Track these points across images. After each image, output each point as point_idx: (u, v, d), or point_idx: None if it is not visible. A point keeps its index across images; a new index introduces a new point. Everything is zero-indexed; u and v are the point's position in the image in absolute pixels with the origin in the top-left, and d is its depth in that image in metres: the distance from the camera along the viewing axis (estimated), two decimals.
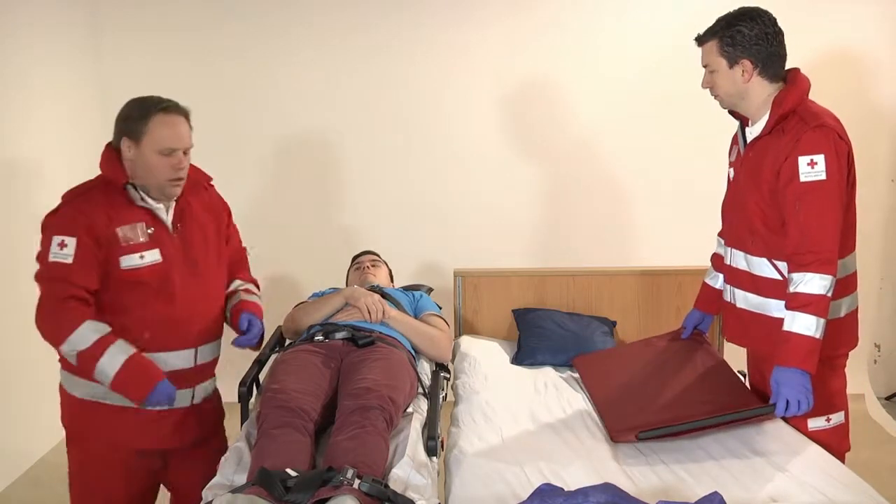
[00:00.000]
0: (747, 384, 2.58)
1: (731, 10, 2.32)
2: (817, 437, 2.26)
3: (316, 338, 2.61)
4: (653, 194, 4.17)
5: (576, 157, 4.18)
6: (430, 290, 3.32)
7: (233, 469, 2.02)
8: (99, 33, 4.05)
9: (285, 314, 2.92)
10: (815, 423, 2.31)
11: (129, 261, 2.20)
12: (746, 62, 2.27)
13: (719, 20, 2.32)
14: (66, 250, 2.12)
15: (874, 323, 4.29)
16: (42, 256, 2.16)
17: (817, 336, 2.13)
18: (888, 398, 4.37)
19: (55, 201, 2.23)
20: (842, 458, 2.29)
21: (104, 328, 2.15)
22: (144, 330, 2.23)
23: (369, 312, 2.73)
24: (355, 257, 3.40)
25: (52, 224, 2.18)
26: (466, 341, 3.23)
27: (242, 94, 4.09)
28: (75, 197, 2.22)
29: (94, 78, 4.02)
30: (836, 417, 2.35)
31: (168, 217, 2.30)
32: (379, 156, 4.18)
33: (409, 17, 4.06)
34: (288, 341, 2.89)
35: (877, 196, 4.16)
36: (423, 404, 2.48)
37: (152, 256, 2.23)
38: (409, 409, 2.39)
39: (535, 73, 4.10)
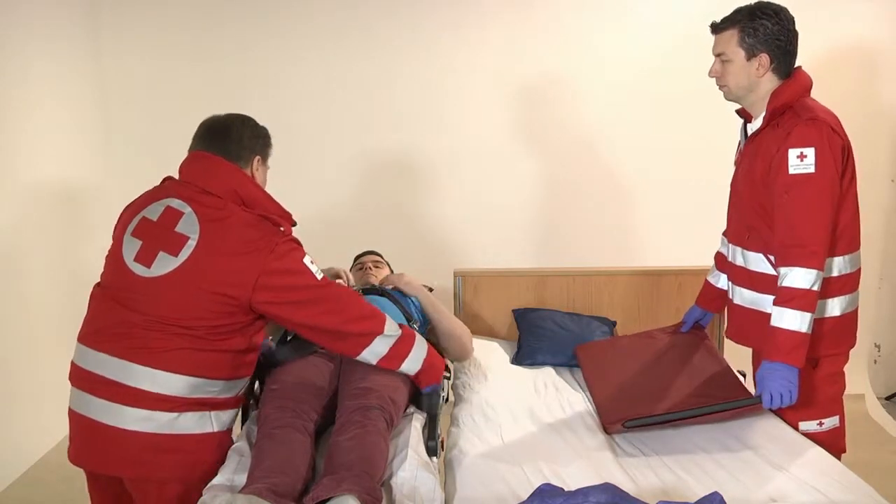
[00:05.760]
0: (749, 385, 2.52)
1: (744, 4, 2.28)
2: (810, 440, 2.23)
3: None
4: (653, 194, 4.17)
5: (576, 157, 4.17)
6: (430, 290, 3.31)
7: (233, 469, 2.02)
8: (99, 33, 4.05)
9: None
10: (807, 427, 2.29)
11: None
12: (764, 56, 2.24)
13: (740, 10, 2.27)
14: (314, 267, 2.18)
15: (874, 323, 4.28)
16: (310, 276, 2.15)
17: (804, 330, 2.11)
18: (888, 398, 4.36)
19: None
20: (837, 459, 2.25)
21: None
22: None
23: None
24: (357, 257, 3.39)
25: (298, 249, 2.24)
26: None
27: (242, 94, 4.08)
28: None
29: (94, 78, 4.02)
30: (830, 422, 2.32)
31: None
32: (379, 155, 4.18)
33: (409, 17, 4.07)
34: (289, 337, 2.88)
35: (877, 196, 4.16)
36: None
37: None
38: (410, 410, 2.39)
39: (535, 72, 4.10)
